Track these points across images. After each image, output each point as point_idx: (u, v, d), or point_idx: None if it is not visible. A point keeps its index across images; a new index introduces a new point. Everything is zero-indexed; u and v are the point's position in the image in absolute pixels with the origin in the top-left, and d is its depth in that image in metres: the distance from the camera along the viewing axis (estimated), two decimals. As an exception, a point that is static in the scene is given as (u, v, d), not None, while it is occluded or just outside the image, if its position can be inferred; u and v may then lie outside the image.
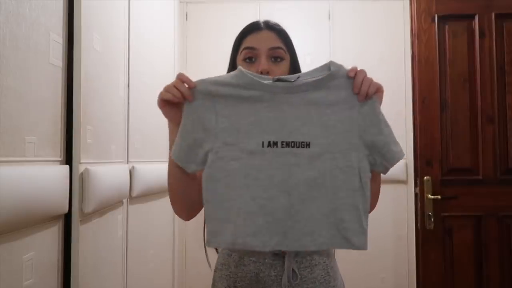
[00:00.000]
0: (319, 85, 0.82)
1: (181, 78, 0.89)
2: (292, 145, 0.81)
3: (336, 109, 0.82)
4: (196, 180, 0.92)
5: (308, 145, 0.81)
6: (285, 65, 1.00)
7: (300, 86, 0.81)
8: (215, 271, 1.03)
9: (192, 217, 1.02)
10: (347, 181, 0.82)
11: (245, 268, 0.95)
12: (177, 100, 0.89)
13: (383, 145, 0.83)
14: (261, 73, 0.95)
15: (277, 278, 0.93)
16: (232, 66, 1.06)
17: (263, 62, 0.96)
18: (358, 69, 0.86)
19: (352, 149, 0.82)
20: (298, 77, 0.82)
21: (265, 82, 0.82)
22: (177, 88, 0.89)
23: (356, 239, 0.84)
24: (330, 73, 0.83)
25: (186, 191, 0.93)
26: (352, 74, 0.85)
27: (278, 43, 0.99)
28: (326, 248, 0.87)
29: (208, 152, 0.83)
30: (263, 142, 0.81)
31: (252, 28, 1.02)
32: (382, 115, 0.84)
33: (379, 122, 0.83)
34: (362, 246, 0.85)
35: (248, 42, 1.00)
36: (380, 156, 0.83)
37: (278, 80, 0.82)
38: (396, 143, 0.85)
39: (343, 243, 0.84)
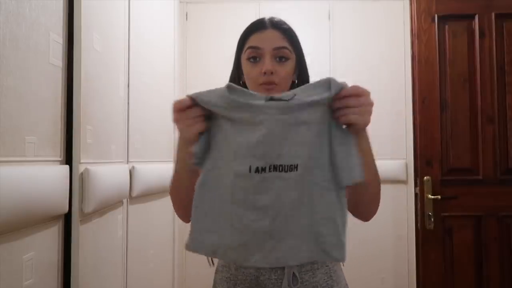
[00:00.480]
0: (315, 107, 0.80)
1: (179, 108, 0.85)
2: (280, 169, 0.79)
3: (321, 127, 0.81)
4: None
5: (296, 167, 0.79)
6: (290, 65, 0.98)
7: (295, 106, 0.78)
8: (216, 272, 1.02)
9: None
10: (324, 195, 0.81)
11: (246, 271, 0.94)
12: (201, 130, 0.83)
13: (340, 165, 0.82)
14: (265, 73, 0.94)
15: (277, 282, 0.91)
16: (237, 65, 1.05)
17: (267, 63, 0.94)
18: (361, 87, 0.86)
19: (327, 163, 0.81)
20: (294, 95, 0.79)
21: (256, 102, 0.78)
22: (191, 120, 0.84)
23: (334, 252, 0.81)
24: (329, 96, 0.80)
25: (189, 197, 0.88)
26: (345, 94, 0.84)
27: (283, 42, 0.97)
28: (306, 262, 0.86)
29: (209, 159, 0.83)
30: (250, 167, 0.79)
31: (257, 27, 0.99)
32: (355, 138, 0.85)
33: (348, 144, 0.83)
34: (341, 258, 0.82)
35: (253, 41, 0.98)
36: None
37: (272, 99, 0.78)
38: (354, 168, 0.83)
39: (323, 256, 0.82)
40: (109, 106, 1.46)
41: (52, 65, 1.11)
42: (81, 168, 1.21)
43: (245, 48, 0.99)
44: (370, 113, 0.91)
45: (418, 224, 2.05)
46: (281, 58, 0.96)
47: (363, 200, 0.93)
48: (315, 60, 2.52)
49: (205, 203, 0.82)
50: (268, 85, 0.94)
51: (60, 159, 1.15)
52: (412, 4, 2.11)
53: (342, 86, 0.83)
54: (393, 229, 2.46)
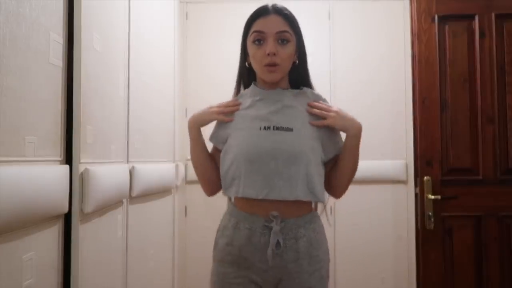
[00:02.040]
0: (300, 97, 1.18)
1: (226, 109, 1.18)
2: (280, 129, 1.10)
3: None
4: (213, 160, 1.21)
5: (291, 130, 1.10)
6: (291, 47, 1.12)
7: (289, 95, 1.18)
8: (217, 231, 1.19)
9: (213, 194, 1.24)
10: (315, 157, 1.11)
11: (240, 232, 1.11)
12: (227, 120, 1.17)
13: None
14: (268, 55, 1.08)
15: (265, 245, 1.08)
16: (243, 48, 1.18)
17: (270, 45, 1.08)
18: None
19: (316, 139, 1.13)
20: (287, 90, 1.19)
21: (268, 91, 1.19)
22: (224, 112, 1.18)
23: (319, 195, 1.11)
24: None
25: (206, 168, 1.20)
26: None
27: (285, 26, 1.10)
28: (300, 198, 1.08)
29: (228, 136, 1.16)
30: (260, 127, 1.11)
31: (261, 13, 1.12)
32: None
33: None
34: (323, 199, 1.14)
35: (257, 25, 1.11)
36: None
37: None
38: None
39: (311, 196, 1.10)
40: (109, 106, 1.46)
41: (52, 65, 1.11)
42: (81, 168, 1.21)
43: (250, 32, 1.12)
44: (346, 120, 1.12)
45: (418, 224, 2.06)
46: (283, 41, 1.10)
47: (340, 175, 1.16)
48: (315, 60, 2.52)
49: (227, 162, 1.13)
50: (271, 66, 1.09)
51: (60, 159, 1.15)
52: (412, 4, 2.11)
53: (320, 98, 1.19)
54: (393, 229, 2.46)
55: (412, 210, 2.25)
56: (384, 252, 2.46)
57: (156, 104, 1.97)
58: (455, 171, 2.04)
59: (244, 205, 1.12)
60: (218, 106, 1.18)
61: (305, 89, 1.18)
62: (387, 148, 2.47)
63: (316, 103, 1.14)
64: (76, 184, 1.19)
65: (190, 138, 1.20)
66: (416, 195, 2.12)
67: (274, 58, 1.08)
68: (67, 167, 1.15)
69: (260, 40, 1.10)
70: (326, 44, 2.52)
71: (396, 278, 2.46)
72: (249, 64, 1.17)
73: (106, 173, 1.34)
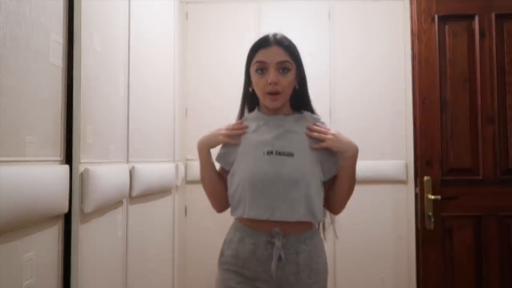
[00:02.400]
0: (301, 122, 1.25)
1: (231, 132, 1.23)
2: (282, 154, 1.17)
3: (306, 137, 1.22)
4: (222, 179, 1.26)
5: (292, 155, 1.17)
6: (291, 75, 1.19)
7: (290, 120, 1.25)
8: (223, 243, 1.25)
9: (222, 211, 1.30)
10: (315, 179, 1.18)
11: (245, 247, 1.17)
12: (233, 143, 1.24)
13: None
14: (270, 83, 1.15)
15: (268, 258, 1.14)
16: (247, 75, 1.25)
17: (272, 74, 1.15)
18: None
19: (315, 162, 1.20)
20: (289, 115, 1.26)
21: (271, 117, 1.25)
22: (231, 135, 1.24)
23: (318, 215, 1.18)
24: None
25: (215, 187, 1.27)
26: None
27: (285, 57, 1.17)
28: (301, 219, 1.15)
29: (234, 159, 1.23)
30: (263, 152, 1.18)
31: (263, 44, 1.19)
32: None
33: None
34: (321, 220, 1.24)
35: (259, 56, 1.18)
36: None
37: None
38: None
39: (311, 218, 1.17)
40: (109, 106, 1.46)
41: (52, 65, 1.11)
42: (81, 168, 1.21)
43: (253, 62, 1.19)
44: (343, 143, 1.18)
45: (418, 224, 2.06)
46: (283, 70, 1.17)
47: (338, 194, 1.23)
48: (315, 60, 2.52)
49: (233, 185, 1.20)
50: (274, 95, 1.17)
51: (60, 159, 1.15)
52: (412, 4, 2.12)
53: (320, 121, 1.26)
54: (393, 229, 2.46)
55: (412, 210, 2.25)
56: (384, 252, 2.46)
57: (156, 104, 1.97)
58: (455, 171, 2.04)
59: (249, 223, 1.19)
60: (227, 129, 1.24)
61: (305, 113, 1.26)
62: (387, 148, 2.47)
63: (314, 127, 1.21)
64: (76, 184, 1.19)
65: (199, 159, 1.26)
66: (416, 195, 2.12)
67: (275, 87, 1.16)
68: (67, 167, 1.15)
69: (262, 70, 1.17)
70: (326, 44, 2.52)
71: (396, 278, 2.46)
72: (253, 90, 1.24)
73: (106, 173, 1.34)
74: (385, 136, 2.48)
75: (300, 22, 2.54)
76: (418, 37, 2.06)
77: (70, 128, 1.19)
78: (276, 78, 1.15)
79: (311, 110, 1.27)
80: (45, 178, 1.04)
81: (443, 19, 2.05)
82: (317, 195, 1.17)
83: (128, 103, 1.63)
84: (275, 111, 1.23)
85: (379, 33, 2.52)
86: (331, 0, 2.53)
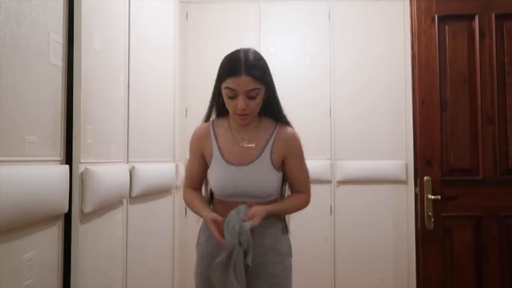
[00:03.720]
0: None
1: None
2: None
3: None
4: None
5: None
6: (259, 97, 1.26)
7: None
8: (200, 230, 1.42)
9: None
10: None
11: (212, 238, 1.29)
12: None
13: None
14: (239, 109, 1.23)
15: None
16: (217, 88, 1.32)
17: (241, 102, 1.22)
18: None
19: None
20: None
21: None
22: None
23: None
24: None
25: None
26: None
27: (254, 85, 1.22)
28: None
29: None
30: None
31: (233, 73, 1.23)
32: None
33: None
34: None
35: (230, 83, 1.23)
36: None
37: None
38: None
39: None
40: (109, 106, 1.46)
41: (52, 65, 1.11)
42: (81, 168, 1.21)
43: (223, 85, 1.25)
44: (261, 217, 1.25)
45: (418, 224, 2.05)
46: (252, 96, 1.24)
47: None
48: (315, 61, 2.52)
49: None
50: (243, 116, 1.26)
51: (60, 159, 1.15)
52: (412, 4, 2.11)
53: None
54: (393, 229, 2.46)
55: (412, 210, 2.24)
56: (384, 252, 2.46)
57: (156, 104, 1.97)
58: (455, 171, 2.03)
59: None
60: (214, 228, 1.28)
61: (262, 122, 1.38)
62: (387, 148, 2.47)
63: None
64: (76, 184, 1.19)
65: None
66: (416, 195, 2.12)
67: (245, 111, 1.24)
68: (67, 167, 1.15)
69: (233, 96, 1.24)
70: (326, 44, 2.52)
71: (396, 278, 2.46)
72: (223, 101, 1.31)
73: (106, 173, 1.34)
74: (385, 136, 2.48)
75: (300, 22, 2.54)
76: (418, 37, 2.06)
77: (70, 128, 1.18)
78: (245, 105, 1.23)
79: (281, 116, 1.36)
80: (45, 178, 1.04)
81: (443, 19, 2.05)
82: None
83: (128, 103, 1.63)
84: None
85: (379, 33, 2.52)
86: (331, 0, 2.53)
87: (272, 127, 1.36)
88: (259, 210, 1.23)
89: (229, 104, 1.27)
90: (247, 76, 1.22)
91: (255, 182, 1.30)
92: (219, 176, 1.33)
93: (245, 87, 1.22)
